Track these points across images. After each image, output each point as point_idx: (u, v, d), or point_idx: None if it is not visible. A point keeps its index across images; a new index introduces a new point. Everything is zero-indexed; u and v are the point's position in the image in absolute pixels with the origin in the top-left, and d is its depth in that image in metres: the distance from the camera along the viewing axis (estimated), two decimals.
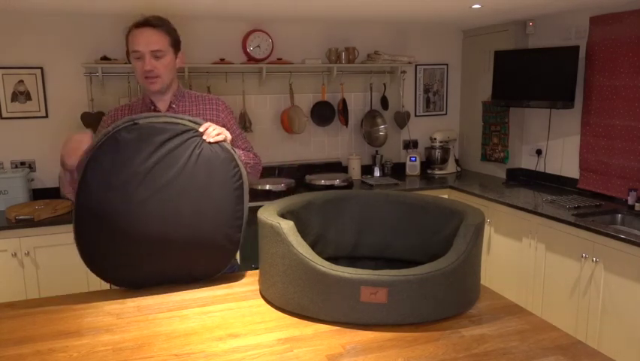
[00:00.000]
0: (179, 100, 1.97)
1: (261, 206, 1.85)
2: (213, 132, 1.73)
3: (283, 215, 1.83)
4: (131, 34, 1.85)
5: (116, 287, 1.84)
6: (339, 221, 2.06)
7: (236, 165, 1.77)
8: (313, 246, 2.00)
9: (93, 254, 1.72)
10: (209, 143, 1.72)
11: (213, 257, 1.80)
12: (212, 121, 1.94)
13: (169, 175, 1.69)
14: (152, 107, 1.95)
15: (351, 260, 2.08)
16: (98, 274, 1.76)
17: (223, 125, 1.98)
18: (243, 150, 2.03)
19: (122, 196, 1.67)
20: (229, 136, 1.80)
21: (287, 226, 1.64)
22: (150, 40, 1.82)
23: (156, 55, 1.83)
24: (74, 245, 1.71)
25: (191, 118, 1.76)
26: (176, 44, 1.91)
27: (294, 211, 1.92)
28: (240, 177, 1.77)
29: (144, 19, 1.85)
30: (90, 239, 1.70)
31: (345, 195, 2.08)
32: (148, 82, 1.86)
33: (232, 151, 1.78)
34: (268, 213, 1.75)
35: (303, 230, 1.92)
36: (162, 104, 1.96)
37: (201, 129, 1.72)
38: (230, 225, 1.77)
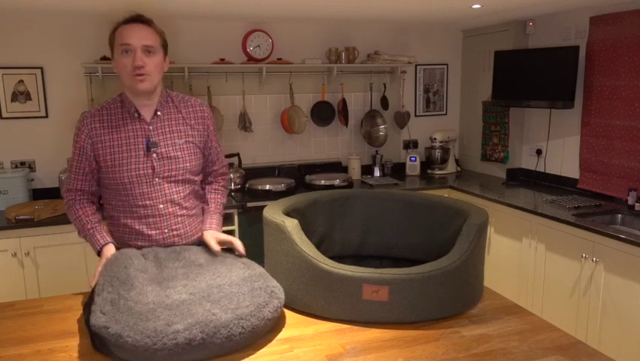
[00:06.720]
0: (164, 106, 1.84)
1: (264, 205, 1.85)
2: None
3: (289, 213, 1.83)
4: (121, 29, 1.73)
5: None
6: (344, 220, 2.06)
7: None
8: (319, 244, 2.00)
9: None
10: None
11: None
12: (198, 129, 1.87)
13: None
14: (137, 115, 1.79)
15: (356, 259, 2.08)
16: None
17: (208, 135, 1.90)
18: (216, 167, 2.00)
19: None
20: None
21: (291, 224, 1.65)
22: (143, 35, 1.71)
23: (148, 50, 1.72)
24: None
25: None
26: (165, 46, 1.81)
27: (300, 210, 1.93)
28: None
29: (136, 15, 1.74)
30: None
31: (351, 194, 2.08)
32: (137, 80, 1.71)
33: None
34: (273, 212, 1.75)
35: (308, 229, 1.93)
36: (147, 110, 1.80)
37: None
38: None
